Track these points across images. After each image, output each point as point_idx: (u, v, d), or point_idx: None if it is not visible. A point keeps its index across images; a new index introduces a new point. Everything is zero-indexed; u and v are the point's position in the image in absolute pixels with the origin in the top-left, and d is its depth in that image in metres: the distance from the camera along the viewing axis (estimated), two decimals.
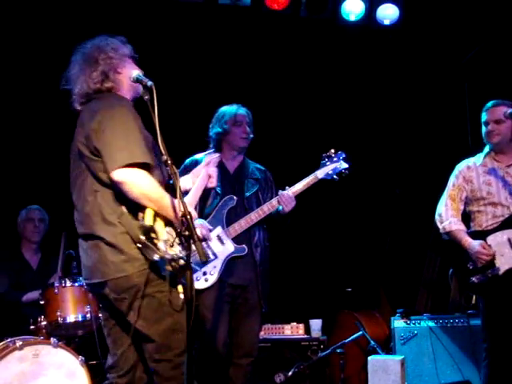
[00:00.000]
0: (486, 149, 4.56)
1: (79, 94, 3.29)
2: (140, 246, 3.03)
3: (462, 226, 4.48)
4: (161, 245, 3.02)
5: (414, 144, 6.75)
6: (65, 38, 5.88)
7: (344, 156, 4.79)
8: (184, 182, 3.57)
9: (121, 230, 3.10)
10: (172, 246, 3.05)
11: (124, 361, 3.28)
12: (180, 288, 3.11)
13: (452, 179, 4.59)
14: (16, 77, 6.07)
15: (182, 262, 3.03)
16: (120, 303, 3.14)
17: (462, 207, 4.54)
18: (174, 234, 3.12)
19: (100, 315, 4.66)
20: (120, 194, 3.08)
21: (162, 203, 3.07)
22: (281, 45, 6.55)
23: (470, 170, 4.53)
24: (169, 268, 3.02)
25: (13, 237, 5.74)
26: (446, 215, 4.50)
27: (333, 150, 4.79)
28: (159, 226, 3.07)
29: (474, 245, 4.33)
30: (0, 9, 5.74)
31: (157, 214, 3.07)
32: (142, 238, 3.00)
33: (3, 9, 5.76)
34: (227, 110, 4.74)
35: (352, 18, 6.33)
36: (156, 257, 3.00)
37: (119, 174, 3.01)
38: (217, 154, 3.85)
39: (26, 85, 6.09)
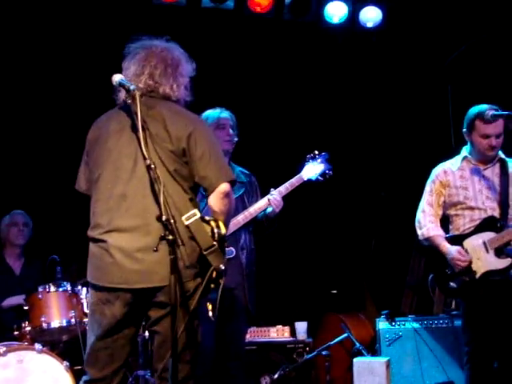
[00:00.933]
0: (464, 152, 4.54)
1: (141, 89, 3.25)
2: (207, 252, 3.06)
3: (440, 231, 4.48)
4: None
5: (397, 146, 6.78)
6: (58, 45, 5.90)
7: (327, 157, 4.81)
8: None
9: (189, 234, 3.09)
10: None
11: (116, 375, 3.22)
12: (209, 306, 3.14)
13: (429, 184, 4.58)
14: (10, 79, 6.04)
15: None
16: (165, 307, 3.09)
17: (440, 212, 4.53)
18: None
19: (84, 320, 4.69)
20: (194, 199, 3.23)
21: (227, 220, 3.28)
22: (264, 48, 6.56)
23: (446, 175, 4.51)
24: (221, 281, 3.11)
25: None
26: (424, 221, 4.50)
27: (316, 152, 4.81)
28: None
29: (451, 250, 4.34)
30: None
31: None
32: (215, 243, 3.07)
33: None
34: (210, 113, 4.73)
35: (335, 20, 6.35)
36: (222, 266, 3.06)
37: (227, 187, 3.20)
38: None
39: (17, 90, 6.05)
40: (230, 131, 4.67)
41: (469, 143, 4.51)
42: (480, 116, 4.36)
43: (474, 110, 4.44)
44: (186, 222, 3.07)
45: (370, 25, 6.41)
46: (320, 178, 4.77)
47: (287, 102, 6.70)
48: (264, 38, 6.50)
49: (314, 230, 6.74)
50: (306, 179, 4.72)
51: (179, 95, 3.35)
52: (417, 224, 4.55)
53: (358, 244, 6.74)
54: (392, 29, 6.50)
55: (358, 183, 6.78)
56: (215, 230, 3.10)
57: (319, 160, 4.79)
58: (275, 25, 6.37)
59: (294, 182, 4.67)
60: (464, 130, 4.48)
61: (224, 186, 3.18)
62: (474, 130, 4.39)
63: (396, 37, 6.59)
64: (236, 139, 4.75)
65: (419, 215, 4.54)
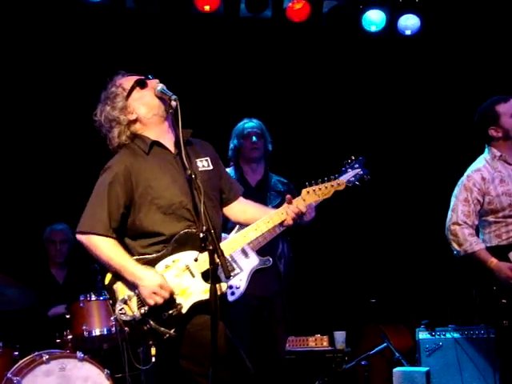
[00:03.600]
0: (496, 152, 4.31)
1: None
2: None
3: (483, 245, 4.22)
4: (117, 306, 3.06)
5: (435, 151, 6.71)
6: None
7: (364, 162, 4.78)
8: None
9: None
10: (142, 306, 3.05)
11: None
12: (153, 350, 3.09)
13: (463, 192, 4.28)
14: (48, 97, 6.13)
15: (146, 326, 3.03)
16: None
17: (477, 222, 4.27)
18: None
19: (125, 328, 4.73)
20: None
21: (111, 267, 3.11)
22: (303, 57, 6.57)
23: (485, 182, 4.24)
24: (126, 329, 3.06)
25: (40, 252, 5.79)
26: (464, 235, 4.20)
27: (353, 157, 4.78)
28: (121, 285, 3.09)
29: (502, 268, 4.08)
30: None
31: None
32: (107, 296, 3.13)
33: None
34: (238, 125, 4.86)
35: (373, 28, 6.36)
36: (112, 316, 3.04)
37: (78, 237, 3.18)
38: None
39: (59, 104, 6.13)
40: (254, 139, 4.75)
41: (491, 144, 4.33)
42: (497, 100, 4.28)
43: (483, 105, 4.35)
44: None
45: (408, 32, 6.40)
46: (357, 183, 4.73)
47: (325, 109, 6.70)
48: (302, 47, 6.51)
49: (353, 239, 6.70)
50: None
51: (111, 146, 3.30)
52: (451, 238, 4.25)
53: (397, 252, 6.68)
54: (430, 36, 6.47)
55: (396, 190, 6.73)
56: None
57: (356, 165, 4.75)
58: (313, 34, 6.38)
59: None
60: (489, 127, 4.28)
61: (77, 237, 3.18)
62: (499, 116, 4.24)
63: (434, 44, 6.55)
64: (270, 147, 4.79)
65: (454, 228, 4.22)
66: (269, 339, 4.60)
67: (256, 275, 4.51)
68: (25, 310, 5.16)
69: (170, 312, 3.04)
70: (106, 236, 3.11)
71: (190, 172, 3.05)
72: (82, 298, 4.80)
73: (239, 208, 3.49)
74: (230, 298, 4.43)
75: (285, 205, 3.34)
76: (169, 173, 3.21)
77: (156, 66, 4.93)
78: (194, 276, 3.11)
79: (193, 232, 3.12)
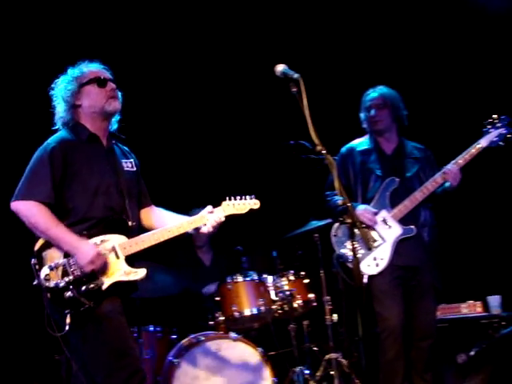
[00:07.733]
0: None
1: None
2: None
3: None
4: (43, 271, 3.18)
5: None
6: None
7: (509, 120, 4.57)
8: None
9: None
10: (66, 275, 3.18)
11: None
12: (68, 319, 3.16)
13: None
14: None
15: (68, 294, 3.15)
16: None
17: None
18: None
19: (273, 307, 4.82)
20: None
21: (48, 235, 3.24)
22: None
23: None
24: (48, 295, 3.16)
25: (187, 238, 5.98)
26: None
27: (495, 116, 4.59)
28: (51, 253, 3.22)
29: None
30: None
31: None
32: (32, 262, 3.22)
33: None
34: (364, 95, 4.72)
35: None
36: (35, 282, 3.20)
37: (12, 206, 3.30)
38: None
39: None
40: (372, 112, 4.62)
41: None
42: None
43: None
44: None
45: None
46: (501, 143, 4.55)
47: (460, 74, 6.37)
48: None
49: (502, 197, 6.37)
50: (485, 146, 4.51)
51: (56, 121, 3.54)
52: None
53: None
54: None
55: None
56: None
57: (499, 125, 4.57)
58: None
59: (472, 151, 4.50)
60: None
61: (11, 207, 3.28)
62: None
63: None
64: (401, 113, 4.66)
65: None
66: (418, 309, 4.50)
67: (400, 245, 4.44)
68: (179, 294, 5.36)
69: (92, 286, 3.21)
70: (48, 203, 3.27)
71: (320, 148, 3.13)
72: (229, 280, 4.92)
73: (145, 215, 3.68)
74: (375, 270, 4.40)
75: (204, 212, 3.55)
76: (99, 164, 3.46)
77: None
78: (118, 258, 3.30)
79: (122, 219, 3.37)
